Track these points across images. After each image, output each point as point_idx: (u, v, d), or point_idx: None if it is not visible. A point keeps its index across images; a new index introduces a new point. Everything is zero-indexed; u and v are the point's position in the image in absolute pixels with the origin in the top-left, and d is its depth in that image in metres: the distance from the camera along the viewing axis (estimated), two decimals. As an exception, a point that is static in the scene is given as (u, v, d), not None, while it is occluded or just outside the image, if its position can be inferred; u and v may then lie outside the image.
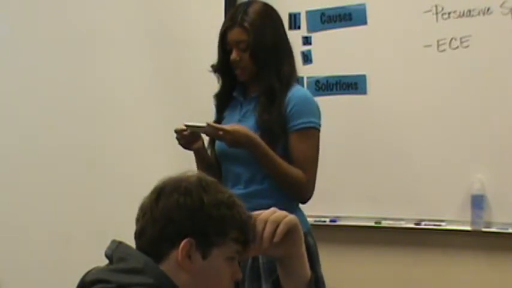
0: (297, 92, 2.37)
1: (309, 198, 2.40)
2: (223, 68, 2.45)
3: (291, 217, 1.33)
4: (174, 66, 3.39)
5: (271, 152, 2.29)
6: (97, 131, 3.05)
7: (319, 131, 2.39)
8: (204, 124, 2.28)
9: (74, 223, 2.88)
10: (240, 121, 2.41)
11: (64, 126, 2.91)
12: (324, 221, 3.42)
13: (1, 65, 2.73)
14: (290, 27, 3.49)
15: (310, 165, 2.36)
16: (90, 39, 3.03)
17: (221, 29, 2.42)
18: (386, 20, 3.29)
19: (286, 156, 2.33)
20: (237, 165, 2.39)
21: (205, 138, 2.47)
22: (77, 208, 2.91)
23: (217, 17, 2.90)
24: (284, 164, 2.31)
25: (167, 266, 1.26)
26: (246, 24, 2.34)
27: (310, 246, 2.34)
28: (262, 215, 1.32)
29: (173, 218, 1.27)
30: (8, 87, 2.73)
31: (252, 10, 2.37)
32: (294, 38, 3.48)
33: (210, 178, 1.34)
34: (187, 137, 2.34)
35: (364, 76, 3.34)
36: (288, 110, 2.33)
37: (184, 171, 1.34)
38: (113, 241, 1.33)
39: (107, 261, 1.32)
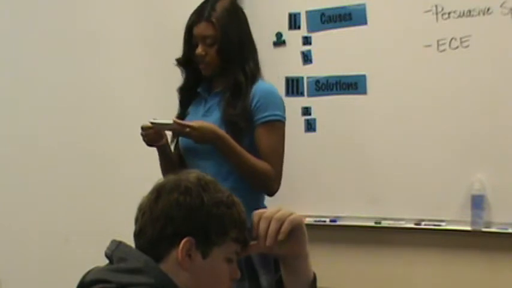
0: (261, 86, 2.39)
1: (276, 190, 2.39)
2: (188, 62, 2.46)
3: (295, 216, 1.32)
4: (174, 66, 3.38)
5: (238, 147, 2.30)
6: (97, 130, 3.04)
7: (284, 123, 2.40)
8: (170, 121, 2.29)
9: (73, 223, 2.87)
10: (204, 116, 2.41)
11: (64, 126, 2.90)
12: (324, 221, 3.43)
13: (0, 65, 2.72)
14: (290, 27, 3.50)
15: (277, 157, 2.37)
16: (90, 38, 3.03)
17: (187, 23, 2.43)
18: (386, 20, 3.29)
19: (253, 150, 2.34)
20: (203, 161, 2.38)
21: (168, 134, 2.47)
22: (76, 208, 2.90)
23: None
24: (251, 158, 2.31)
25: (167, 266, 1.26)
26: (213, 19, 2.36)
27: None
28: (267, 213, 1.31)
29: (173, 217, 1.27)
30: (8, 87, 2.72)
31: (220, 6, 2.38)
32: (294, 38, 3.51)
33: (209, 177, 1.34)
34: (152, 135, 2.35)
35: (364, 76, 3.34)
36: (253, 104, 2.34)
37: (184, 171, 1.35)
38: (113, 241, 1.33)
39: (106, 261, 1.32)
